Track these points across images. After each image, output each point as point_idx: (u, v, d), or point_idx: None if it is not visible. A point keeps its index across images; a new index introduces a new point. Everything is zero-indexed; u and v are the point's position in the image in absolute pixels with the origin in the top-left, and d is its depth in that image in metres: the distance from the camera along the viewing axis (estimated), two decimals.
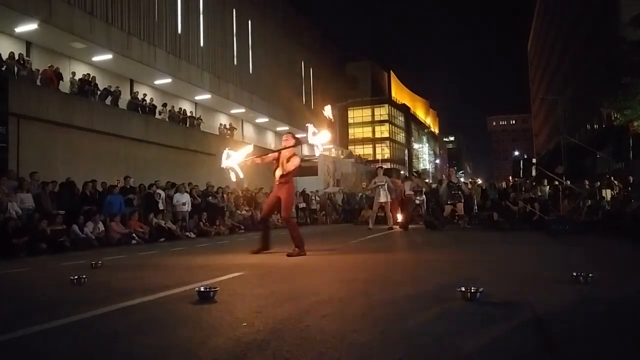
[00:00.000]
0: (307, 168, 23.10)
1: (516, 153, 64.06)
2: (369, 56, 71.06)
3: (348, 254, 6.52)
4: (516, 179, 15.98)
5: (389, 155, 62.96)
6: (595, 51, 30.60)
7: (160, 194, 12.44)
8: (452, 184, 12.12)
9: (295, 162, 6.27)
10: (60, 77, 15.10)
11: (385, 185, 12.39)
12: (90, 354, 2.10)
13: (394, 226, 12.26)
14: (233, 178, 6.24)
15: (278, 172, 6.35)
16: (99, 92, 16.55)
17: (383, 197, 12.21)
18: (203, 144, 21.24)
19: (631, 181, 13.10)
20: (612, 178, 13.79)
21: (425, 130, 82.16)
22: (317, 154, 6.59)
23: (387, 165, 51.23)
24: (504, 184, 20.96)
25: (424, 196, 12.94)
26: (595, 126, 31.99)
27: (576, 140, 23.06)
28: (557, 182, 13.37)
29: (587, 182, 13.90)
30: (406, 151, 69.87)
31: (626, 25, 19.51)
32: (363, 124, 63.05)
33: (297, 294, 3.36)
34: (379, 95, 63.99)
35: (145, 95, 19.24)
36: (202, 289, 3.19)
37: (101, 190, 11.63)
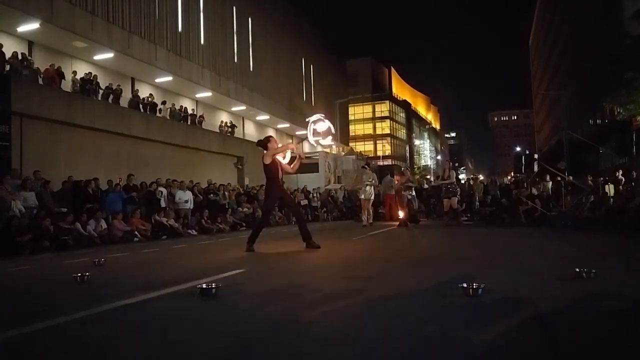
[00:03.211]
0: (308, 165, 23.13)
1: (518, 149, 63.85)
2: (370, 53, 71.03)
3: (349, 250, 6.53)
4: (518, 175, 15.94)
5: (390, 151, 62.93)
6: (597, 46, 30.45)
7: (162, 192, 12.47)
8: (444, 178, 12.21)
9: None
10: (62, 76, 15.11)
11: (373, 182, 12.48)
12: (93, 352, 2.10)
13: (391, 223, 12.30)
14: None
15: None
16: (100, 91, 16.56)
17: (368, 194, 12.34)
18: (204, 141, 21.27)
19: (634, 176, 13.03)
20: (621, 173, 13.69)
21: (427, 127, 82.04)
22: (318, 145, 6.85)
23: (388, 162, 51.27)
24: (505, 180, 20.94)
25: (414, 192, 13.02)
26: (598, 121, 31.87)
27: (579, 135, 22.95)
28: (559, 178, 13.33)
29: (590, 178, 13.84)
30: (407, 147, 69.83)
31: (629, 20, 19.40)
32: (364, 120, 63.01)
33: (298, 290, 3.36)
34: (380, 92, 63.92)
35: (151, 95, 19.24)
36: (203, 285, 3.20)
37: (106, 188, 11.66)
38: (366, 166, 14.11)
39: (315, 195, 19.37)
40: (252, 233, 6.56)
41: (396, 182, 13.94)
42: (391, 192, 13.41)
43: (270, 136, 6.94)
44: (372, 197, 12.65)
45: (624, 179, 13.29)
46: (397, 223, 12.16)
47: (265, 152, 6.50)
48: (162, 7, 19.95)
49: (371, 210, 12.69)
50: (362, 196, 12.57)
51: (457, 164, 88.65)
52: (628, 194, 11.22)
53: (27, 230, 8.48)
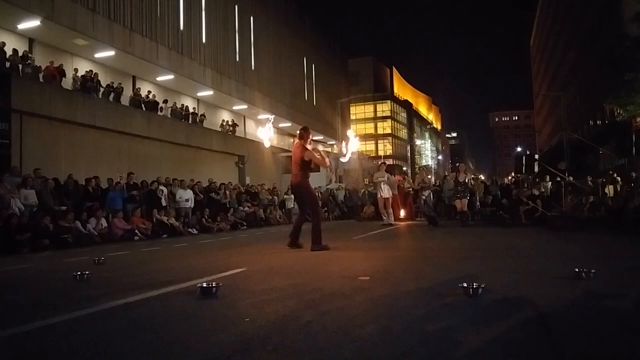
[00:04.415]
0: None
1: (518, 149, 63.83)
2: (371, 52, 71.06)
3: (350, 250, 6.52)
4: (518, 175, 15.94)
5: (391, 151, 62.92)
6: (598, 47, 30.45)
7: (162, 190, 12.48)
8: (459, 181, 12.00)
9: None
10: (63, 73, 15.11)
11: (387, 181, 12.39)
12: (93, 350, 2.11)
13: (395, 222, 12.25)
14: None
15: None
16: (101, 89, 16.56)
17: (385, 192, 12.20)
18: (205, 140, 21.26)
19: (633, 177, 13.04)
20: (615, 175, 13.72)
21: (428, 127, 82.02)
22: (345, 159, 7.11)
23: (389, 162, 51.30)
24: (506, 180, 20.92)
25: (429, 192, 12.91)
26: (598, 122, 31.85)
27: (579, 136, 22.95)
28: (559, 178, 13.32)
29: (589, 178, 13.86)
30: (408, 147, 69.80)
31: (629, 22, 19.40)
32: (365, 120, 63.00)
33: (299, 289, 3.36)
34: (381, 92, 63.90)
35: (149, 92, 19.24)
36: (204, 284, 3.21)
37: (106, 187, 11.65)
38: (383, 164, 14.03)
39: (316, 194, 19.34)
40: (315, 231, 6.20)
41: (398, 181, 13.93)
42: (394, 192, 13.39)
43: (307, 127, 6.81)
44: (390, 195, 12.44)
45: (620, 179, 13.31)
46: (400, 222, 12.17)
47: (302, 143, 6.34)
48: (164, 5, 19.94)
49: (391, 210, 12.46)
50: (385, 194, 12.26)
51: (457, 164, 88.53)
52: (627, 194, 11.23)
53: (27, 228, 8.49)
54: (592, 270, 3.41)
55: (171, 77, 20.44)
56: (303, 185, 6.41)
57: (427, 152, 78.34)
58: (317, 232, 6.19)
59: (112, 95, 16.93)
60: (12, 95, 12.10)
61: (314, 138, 36.90)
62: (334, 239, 8.30)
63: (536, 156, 15.90)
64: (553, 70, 52.06)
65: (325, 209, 19.33)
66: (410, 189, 13.70)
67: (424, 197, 12.53)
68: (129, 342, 2.18)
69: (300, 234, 6.45)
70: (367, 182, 13.02)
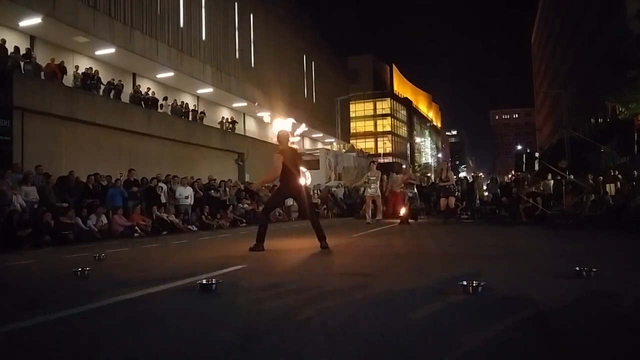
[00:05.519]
0: (309, 162, 23.16)
1: (519, 147, 63.80)
2: (371, 50, 70.70)
3: (349, 247, 6.53)
4: (519, 173, 15.94)
5: (390, 149, 62.85)
6: (600, 44, 30.38)
7: (162, 187, 12.50)
8: (442, 178, 12.13)
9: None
10: (64, 71, 15.12)
11: (377, 180, 12.43)
12: (93, 346, 2.11)
13: (389, 221, 12.27)
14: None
15: None
16: (102, 86, 16.56)
17: (373, 190, 12.26)
18: (205, 137, 21.27)
19: (635, 175, 13.01)
20: (617, 172, 13.68)
21: (428, 124, 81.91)
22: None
23: (389, 159, 51.26)
24: (506, 179, 20.91)
25: (415, 190, 12.96)
26: (600, 120, 31.80)
27: (580, 134, 22.88)
28: (559, 177, 13.31)
29: (590, 177, 13.84)
30: (408, 145, 69.75)
31: (631, 19, 19.36)
32: (365, 117, 62.93)
33: (298, 286, 3.37)
34: (381, 89, 63.79)
35: (148, 89, 19.23)
36: (204, 281, 3.21)
37: (105, 184, 11.65)
38: (373, 163, 14.07)
39: (315, 192, 19.36)
40: (317, 231, 6.07)
41: (399, 179, 13.94)
42: (397, 190, 13.40)
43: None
44: (379, 194, 12.51)
45: (621, 177, 13.28)
46: (399, 220, 12.15)
47: (293, 148, 6.43)
48: (164, 2, 19.91)
49: (382, 208, 12.50)
50: (368, 192, 12.39)
51: (457, 162, 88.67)
52: (629, 193, 11.22)
53: (28, 224, 8.50)
54: (593, 269, 3.41)
55: (171, 74, 20.43)
56: (302, 188, 6.40)
57: (427, 150, 78.24)
58: (321, 228, 6.17)
59: (112, 92, 16.93)
60: (14, 93, 12.11)
61: (313, 135, 36.92)
62: (334, 236, 8.30)
63: (537, 154, 15.89)
64: (554, 68, 51.97)
65: (325, 206, 19.32)
66: (413, 182, 13.77)
67: (410, 195, 12.57)
68: (129, 338, 2.19)
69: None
70: (366, 181, 13.08)
